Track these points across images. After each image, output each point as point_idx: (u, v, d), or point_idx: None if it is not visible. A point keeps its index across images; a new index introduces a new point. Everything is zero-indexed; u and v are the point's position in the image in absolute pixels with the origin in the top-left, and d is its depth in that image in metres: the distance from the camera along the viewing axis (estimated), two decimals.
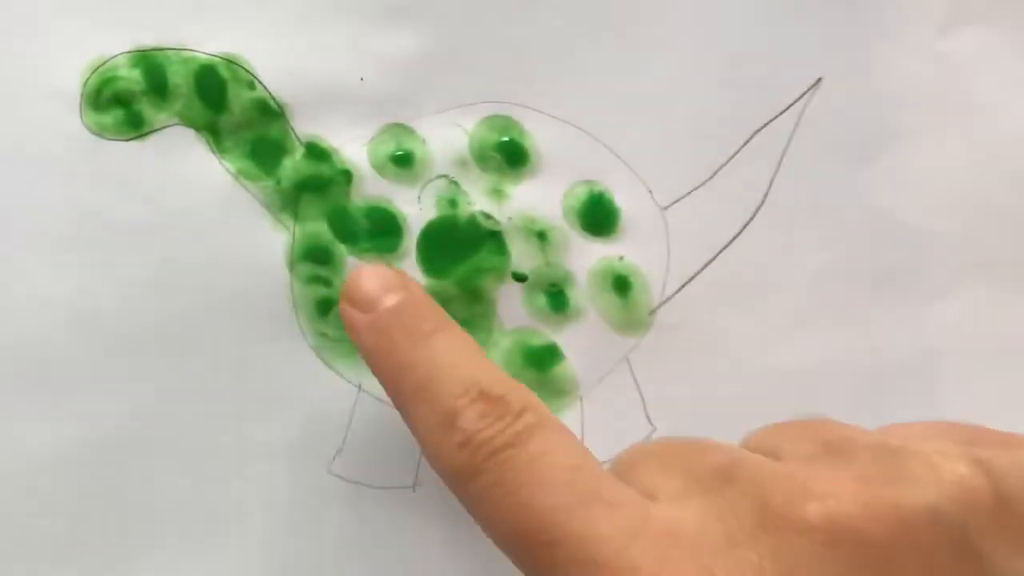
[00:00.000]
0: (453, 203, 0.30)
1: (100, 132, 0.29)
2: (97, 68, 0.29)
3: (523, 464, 0.22)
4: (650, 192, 0.30)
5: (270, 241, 0.29)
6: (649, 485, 0.23)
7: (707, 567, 0.20)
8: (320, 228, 0.30)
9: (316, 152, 0.29)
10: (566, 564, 0.21)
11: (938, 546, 0.20)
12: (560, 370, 0.30)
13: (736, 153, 0.30)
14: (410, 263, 0.30)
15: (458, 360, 0.24)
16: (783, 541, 0.20)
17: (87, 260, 0.29)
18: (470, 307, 0.30)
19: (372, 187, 0.30)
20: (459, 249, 0.30)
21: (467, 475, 0.23)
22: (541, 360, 0.30)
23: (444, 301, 0.30)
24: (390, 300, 0.25)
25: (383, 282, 0.26)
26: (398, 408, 0.25)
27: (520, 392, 0.24)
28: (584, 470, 0.22)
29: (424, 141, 0.30)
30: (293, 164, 0.29)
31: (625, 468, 0.24)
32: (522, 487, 0.22)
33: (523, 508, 0.22)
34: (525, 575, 0.23)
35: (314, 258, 0.29)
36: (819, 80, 0.31)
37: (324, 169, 0.29)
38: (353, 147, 0.30)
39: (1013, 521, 0.20)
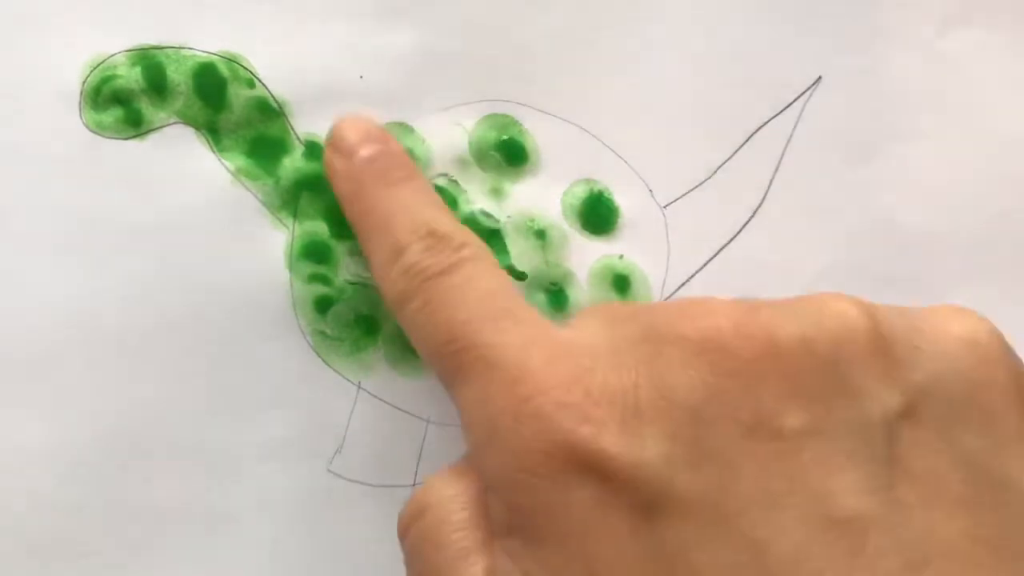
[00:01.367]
0: (453, 202, 0.30)
1: (99, 131, 0.29)
2: (96, 67, 0.29)
3: (449, 287, 0.25)
4: (650, 191, 0.30)
5: (269, 240, 0.29)
6: (565, 325, 0.24)
7: (587, 367, 0.22)
8: (319, 227, 0.30)
9: (316, 151, 0.29)
10: (469, 366, 0.23)
11: (805, 369, 0.21)
12: None
13: (736, 152, 0.30)
14: None
15: (416, 205, 0.27)
16: (658, 349, 0.21)
17: (86, 259, 0.29)
18: None
19: None
20: None
21: (403, 299, 0.25)
22: None
23: None
24: (367, 150, 0.28)
25: (364, 134, 0.28)
26: (362, 248, 0.27)
27: (464, 232, 0.26)
28: (501, 293, 0.25)
29: (423, 140, 0.30)
30: (293, 163, 0.29)
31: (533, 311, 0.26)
32: (445, 307, 0.25)
33: (442, 324, 0.24)
34: (445, 387, 0.25)
35: (313, 257, 0.29)
36: (819, 79, 0.31)
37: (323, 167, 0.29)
38: None
39: (886, 356, 0.21)
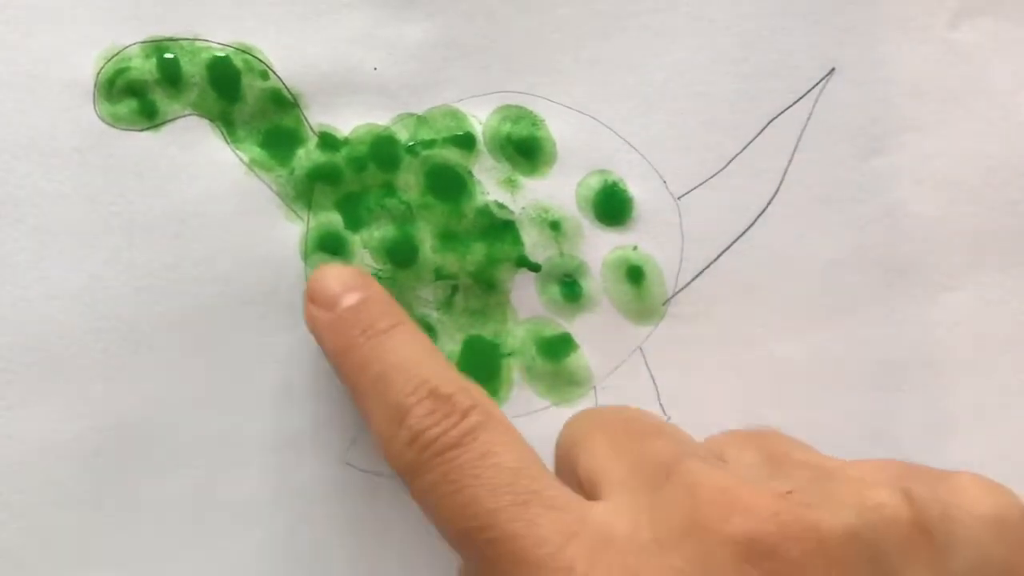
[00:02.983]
0: (468, 193, 0.30)
1: (114, 122, 0.29)
2: (110, 58, 0.29)
3: (467, 464, 0.23)
4: (664, 182, 0.30)
5: (284, 231, 0.29)
6: (594, 468, 0.24)
7: (634, 570, 0.21)
8: (334, 218, 0.30)
9: (330, 142, 0.29)
10: (505, 562, 0.22)
11: (851, 562, 0.21)
12: (574, 360, 0.30)
13: (750, 143, 0.30)
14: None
15: (411, 358, 0.26)
16: (706, 551, 0.21)
17: (100, 251, 0.29)
18: (484, 297, 0.30)
19: None
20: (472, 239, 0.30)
21: (415, 472, 0.24)
22: (555, 350, 0.30)
23: (457, 290, 0.30)
24: (350, 299, 0.27)
25: (345, 282, 0.27)
26: (356, 405, 0.26)
27: (469, 391, 0.25)
28: (526, 472, 0.23)
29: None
30: (307, 154, 0.29)
31: (574, 441, 0.25)
32: (466, 487, 0.23)
33: (467, 507, 0.23)
34: (469, 570, 0.24)
35: (328, 248, 0.29)
36: (832, 70, 0.31)
37: (337, 158, 0.29)
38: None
39: (928, 546, 0.22)
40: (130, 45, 0.29)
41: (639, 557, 0.22)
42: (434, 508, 0.24)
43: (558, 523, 0.22)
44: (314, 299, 0.27)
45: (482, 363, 0.30)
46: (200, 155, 0.29)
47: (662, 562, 0.21)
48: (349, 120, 0.29)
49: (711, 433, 0.29)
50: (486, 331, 0.30)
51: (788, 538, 0.21)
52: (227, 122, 0.29)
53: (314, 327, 0.27)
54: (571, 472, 0.25)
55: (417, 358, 0.26)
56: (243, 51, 0.29)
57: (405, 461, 0.24)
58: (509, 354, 0.30)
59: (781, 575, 0.21)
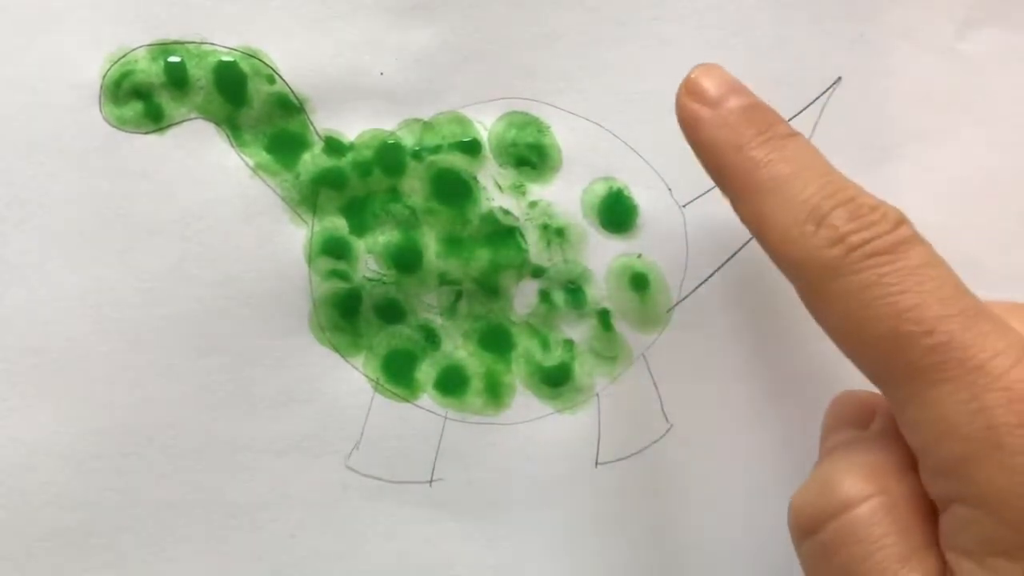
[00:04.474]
0: (474, 199, 0.30)
1: (120, 125, 0.29)
2: (117, 61, 0.29)
3: (907, 270, 0.22)
4: (669, 190, 0.30)
5: (289, 235, 0.29)
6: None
7: None
8: (338, 222, 0.30)
9: (335, 146, 0.29)
10: (955, 366, 0.21)
11: None
12: (577, 367, 0.30)
13: None
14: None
15: (820, 164, 0.24)
16: None
17: (105, 253, 0.29)
18: (487, 302, 0.30)
19: None
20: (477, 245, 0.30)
21: (836, 272, 0.23)
22: (558, 356, 0.30)
23: (461, 296, 0.30)
24: (737, 101, 0.25)
25: (729, 84, 0.25)
26: (741, 206, 0.25)
27: (895, 208, 0.24)
28: (965, 288, 0.23)
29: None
30: (312, 158, 0.29)
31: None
32: (908, 292, 0.22)
33: (910, 310, 0.22)
34: (881, 380, 0.23)
35: (332, 252, 0.29)
36: (838, 79, 0.31)
37: (343, 163, 0.29)
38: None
39: None
40: (136, 48, 0.29)
41: None
42: (860, 310, 0.22)
43: (1012, 340, 0.22)
44: (693, 94, 0.25)
45: (485, 369, 0.30)
46: (205, 159, 0.29)
47: None
48: (355, 125, 0.29)
49: (715, 441, 0.29)
50: (489, 337, 0.30)
51: None
52: (233, 126, 0.29)
53: (692, 120, 0.25)
54: None
55: (826, 166, 0.24)
56: (250, 55, 0.29)
57: (825, 258, 0.23)
58: (512, 360, 0.30)
59: None
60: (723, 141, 0.25)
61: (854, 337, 0.23)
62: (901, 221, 0.23)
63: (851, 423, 0.26)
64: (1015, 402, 0.21)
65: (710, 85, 0.25)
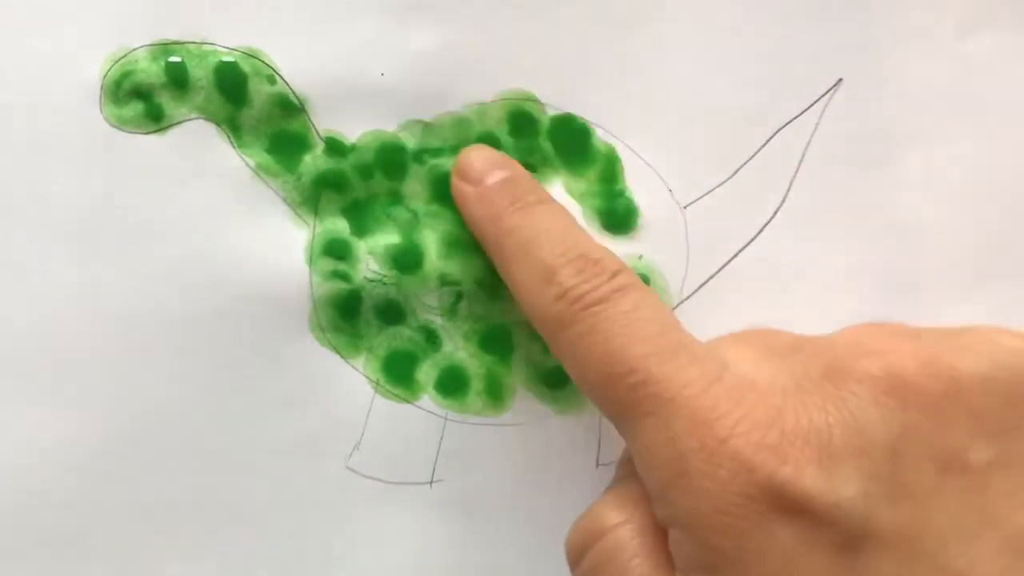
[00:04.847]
0: None
1: (120, 125, 0.29)
2: (117, 61, 0.29)
3: (617, 316, 0.25)
4: (670, 191, 0.30)
5: (290, 236, 0.29)
6: (724, 355, 0.24)
7: (777, 407, 0.22)
8: (340, 223, 0.30)
9: (336, 147, 0.29)
10: (651, 402, 0.23)
11: (988, 406, 0.22)
12: None
13: (756, 153, 0.30)
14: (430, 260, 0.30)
15: (558, 226, 0.27)
16: (845, 389, 0.22)
17: (105, 253, 0.29)
18: (488, 304, 0.30)
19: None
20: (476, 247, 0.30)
21: (562, 324, 0.25)
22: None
23: (461, 297, 0.30)
24: (496, 176, 0.28)
25: (491, 161, 0.28)
26: (500, 270, 0.28)
27: (615, 258, 0.26)
28: (671, 327, 0.25)
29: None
30: (313, 159, 0.29)
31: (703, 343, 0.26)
32: (615, 336, 0.24)
33: (615, 353, 0.24)
34: (609, 418, 0.25)
35: (334, 253, 0.29)
36: (839, 81, 0.31)
37: (344, 165, 0.29)
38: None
39: None
40: (137, 48, 0.29)
41: (781, 397, 0.23)
42: (581, 357, 0.25)
43: (703, 369, 0.23)
44: (462, 175, 0.28)
45: (486, 370, 0.30)
46: (206, 159, 0.29)
47: (803, 400, 0.22)
48: (356, 126, 0.29)
49: None
50: (490, 338, 0.30)
51: (926, 375, 0.22)
52: (234, 127, 0.29)
53: (461, 198, 0.28)
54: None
55: (564, 227, 0.27)
56: (250, 55, 0.29)
57: (553, 313, 0.25)
58: (512, 362, 0.30)
59: (919, 410, 0.22)
60: (482, 215, 0.28)
61: (581, 382, 0.25)
62: (618, 271, 0.26)
63: (625, 463, 0.28)
64: (697, 427, 0.22)
65: (476, 164, 0.28)
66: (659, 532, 0.24)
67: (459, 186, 0.28)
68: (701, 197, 0.30)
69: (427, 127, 0.30)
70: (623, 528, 0.25)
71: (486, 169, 0.28)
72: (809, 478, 0.21)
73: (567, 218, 0.28)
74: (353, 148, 0.29)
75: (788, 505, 0.21)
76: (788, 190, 0.30)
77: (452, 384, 0.30)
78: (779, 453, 0.22)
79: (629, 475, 0.26)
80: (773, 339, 0.25)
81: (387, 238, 0.30)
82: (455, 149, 0.30)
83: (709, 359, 0.24)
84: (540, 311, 0.26)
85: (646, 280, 0.30)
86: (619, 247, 0.30)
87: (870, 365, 0.22)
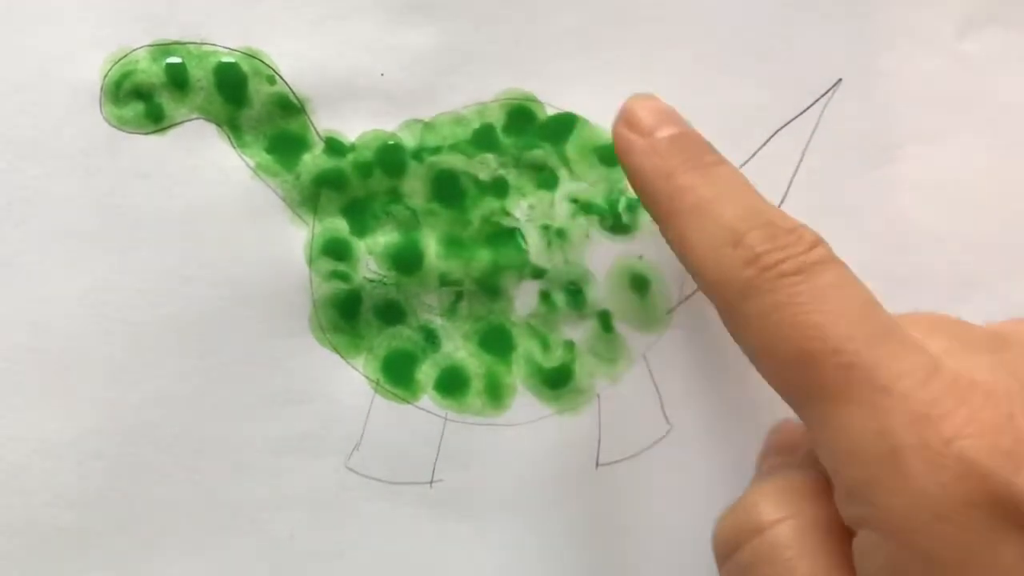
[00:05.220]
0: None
1: (120, 125, 0.29)
2: (117, 61, 0.29)
3: (817, 290, 0.22)
4: None
5: (290, 236, 0.29)
6: (927, 345, 0.22)
7: (1006, 411, 0.20)
8: (339, 223, 0.30)
9: (336, 147, 0.29)
10: (860, 387, 0.21)
11: None
12: (577, 368, 0.30)
13: (756, 153, 0.30)
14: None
15: (743, 190, 0.25)
16: None
17: (105, 254, 0.29)
18: (487, 303, 0.30)
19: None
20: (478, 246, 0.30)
21: (749, 292, 0.23)
22: (558, 358, 0.30)
23: (461, 297, 0.30)
24: (668, 130, 0.26)
25: (661, 114, 0.26)
26: (667, 229, 0.25)
27: (809, 229, 0.24)
28: (878, 309, 0.23)
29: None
30: (313, 159, 0.29)
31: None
32: (815, 311, 0.22)
33: (816, 329, 0.22)
34: (794, 400, 0.23)
35: (333, 253, 0.29)
36: (839, 81, 0.31)
37: (344, 164, 0.29)
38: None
39: None
40: (137, 48, 0.29)
41: (1009, 401, 0.21)
42: (772, 330, 0.23)
43: (919, 360, 0.21)
44: (628, 123, 0.26)
45: (486, 370, 0.30)
46: (206, 159, 0.29)
47: None
48: (356, 126, 0.29)
49: (716, 442, 0.29)
50: (490, 338, 0.30)
51: None
52: (234, 127, 0.29)
53: (626, 148, 0.26)
54: None
55: (747, 191, 0.25)
56: (250, 56, 0.29)
57: (740, 281, 0.23)
58: (512, 361, 0.30)
59: None
60: (652, 168, 0.25)
61: (766, 357, 0.23)
62: (816, 243, 0.23)
63: (781, 450, 0.26)
64: (917, 423, 0.21)
65: (644, 115, 0.26)
66: (832, 532, 0.23)
67: (624, 135, 0.26)
68: None
69: (427, 126, 0.30)
70: (785, 524, 0.23)
71: (657, 121, 0.26)
72: None
73: (748, 184, 0.25)
74: (353, 147, 0.29)
75: (1020, 519, 0.20)
76: (788, 189, 0.30)
77: (452, 384, 0.30)
78: (1015, 460, 0.20)
79: (788, 465, 0.25)
80: (966, 330, 0.24)
81: (387, 237, 0.30)
82: (455, 148, 0.30)
83: (921, 352, 0.22)
84: (723, 275, 0.23)
85: (645, 281, 0.30)
86: (619, 247, 0.30)
87: None
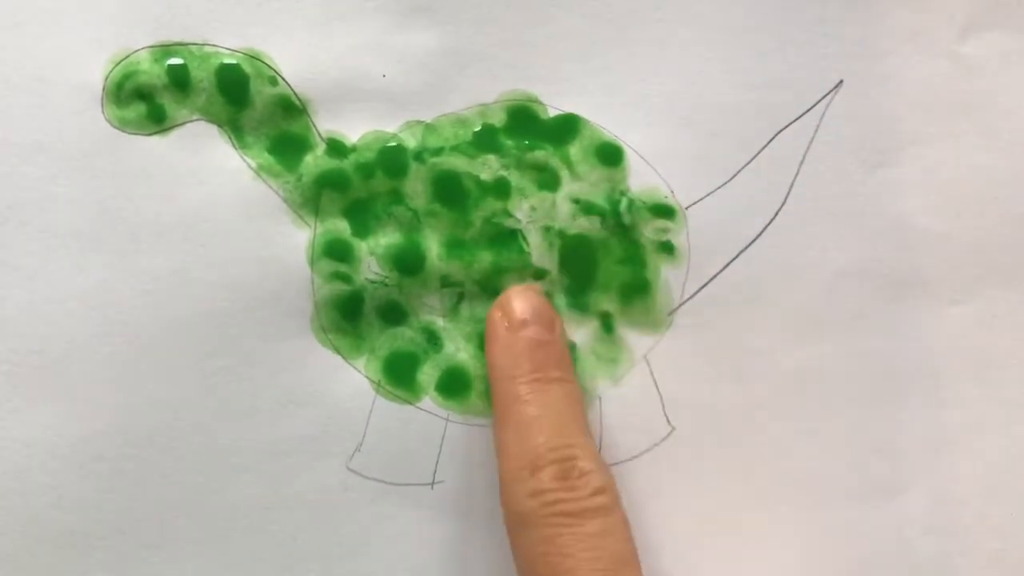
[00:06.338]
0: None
1: (122, 126, 0.29)
2: (119, 62, 0.29)
3: (580, 536, 0.25)
4: (671, 191, 0.30)
5: (291, 237, 0.29)
6: None
7: None
8: (341, 225, 0.30)
9: (337, 148, 0.29)
10: None
11: None
12: (579, 369, 0.30)
13: (757, 154, 0.30)
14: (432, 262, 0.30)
15: (563, 418, 0.27)
16: None
17: (107, 254, 0.29)
18: (489, 304, 0.30)
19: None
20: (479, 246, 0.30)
21: (527, 521, 0.25)
22: None
23: (463, 298, 0.30)
24: (534, 332, 0.28)
25: (535, 313, 0.28)
26: (496, 430, 0.27)
27: (602, 472, 0.26)
28: (631, 564, 0.25)
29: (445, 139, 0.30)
30: (315, 160, 0.29)
31: None
32: (570, 556, 0.25)
33: (563, 574, 0.24)
34: None
35: (335, 255, 0.29)
36: (840, 83, 0.31)
37: (345, 165, 0.29)
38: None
39: None
40: (139, 49, 0.29)
41: None
42: (534, 559, 0.25)
43: None
44: (502, 308, 0.28)
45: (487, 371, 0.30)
46: (208, 160, 0.29)
47: None
48: (357, 127, 0.29)
49: (717, 444, 0.29)
50: None
51: None
52: (235, 128, 0.29)
53: (492, 337, 0.28)
54: None
55: (569, 419, 0.27)
56: (252, 57, 0.29)
57: (525, 507, 0.26)
58: None
59: None
60: (502, 366, 0.28)
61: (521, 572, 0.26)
62: (600, 490, 0.26)
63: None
64: None
65: (519, 308, 0.28)
66: None
67: (494, 319, 0.28)
68: (703, 198, 0.30)
69: (428, 128, 0.30)
70: None
71: (527, 319, 0.28)
72: None
73: (577, 406, 0.28)
74: (354, 149, 0.29)
75: None
76: (789, 191, 0.30)
77: (453, 385, 0.30)
78: None
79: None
80: None
81: (388, 238, 0.30)
82: (456, 149, 0.30)
83: None
84: (514, 498, 0.26)
85: (648, 283, 0.30)
86: (621, 248, 0.30)
87: None
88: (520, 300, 0.28)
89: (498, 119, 0.30)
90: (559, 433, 0.26)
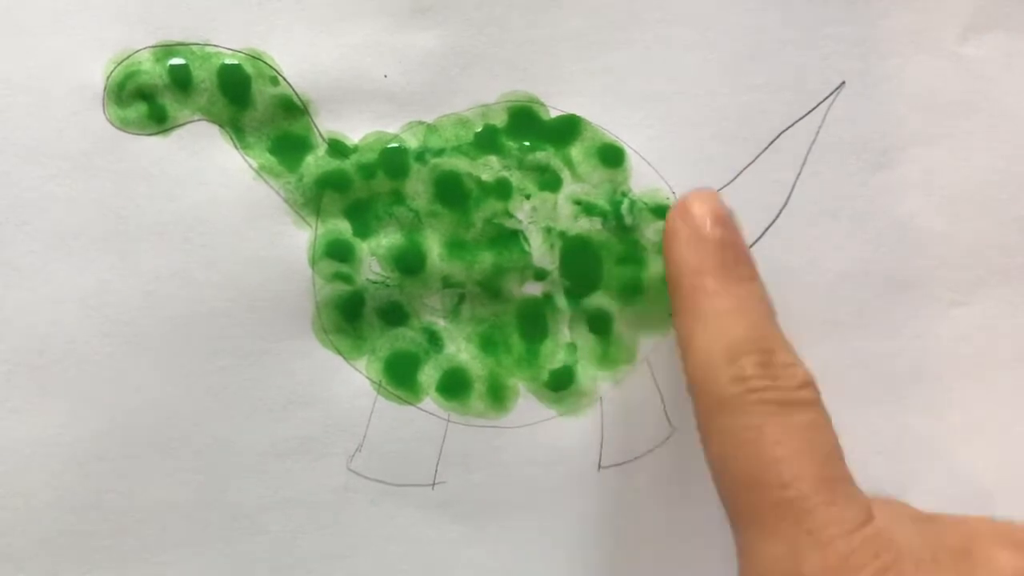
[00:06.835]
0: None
1: (123, 127, 0.29)
2: (120, 62, 0.29)
3: (788, 426, 0.24)
4: (673, 193, 0.30)
5: (292, 238, 0.29)
6: (871, 504, 0.25)
7: (911, 574, 0.23)
8: (342, 225, 0.30)
9: (339, 149, 0.29)
10: (788, 526, 0.23)
11: None
12: (580, 371, 0.30)
13: (759, 156, 0.30)
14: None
15: (758, 312, 0.26)
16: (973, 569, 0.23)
17: (108, 255, 0.29)
18: (491, 306, 0.30)
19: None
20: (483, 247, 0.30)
21: (728, 407, 0.25)
22: (561, 360, 0.30)
23: (464, 299, 0.30)
24: (718, 232, 0.27)
25: (715, 213, 0.27)
26: (679, 322, 0.26)
27: (804, 367, 0.26)
28: (837, 457, 0.24)
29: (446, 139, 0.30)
30: (316, 160, 0.29)
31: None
32: (779, 446, 0.24)
33: (771, 463, 0.24)
34: (732, 520, 0.25)
35: (336, 255, 0.29)
36: (842, 84, 0.31)
37: (346, 166, 0.29)
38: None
39: None
40: (140, 49, 0.29)
41: (915, 566, 0.23)
42: (732, 449, 0.24)
43: (852, 513, 0.23)
44: (683, 213, 0.27)
45: (488, 372, 0.30)
46: (209, 160, 0.29)
47: (935, 573, 0.23)
48: (358, 127, 0.29)
49: None
50: (492, 340, 0.30)
51: None
52: (236, 128, 0.29)
53: (671, 236, 0.27)
54: None
55: (763, 316, 0.26)
56: (254, 57, 0.29)
57: (725, 392, 0.25)
58: (515, 363, 0.30)
59: None
60: (686, 260, 0.27)
61: (720, 470, 0.25)
62: (805, 383, 0.25)
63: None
64: (829, 571, 0.23)
65: (699, 210, 0.27)
66: None
67: (673, 222, 0.27)
68: None
69: (430, 128, 0.30)
70: None
71: (708, 219, 0.27)
72: None
73: (768, 308, 0.27)
74: (355, 149, 0.29)
75: None
76: (791, 192, 0.30)
77: (454, 386, 0.30)
78: None
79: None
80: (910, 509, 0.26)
81: (389, 239, 0.30)
82: (458, 150, 0.30)
83: (860, 507, 0.24)
84: (710, 383, 0.25)
85: (648, 284, 0.30)
86: (622, 249, 0.30)
87: (1002, 560, 0.23)
88: (699, 203, 0.27)
89: (499, 120, 0.30)
90: (755, 325, 0.26)
